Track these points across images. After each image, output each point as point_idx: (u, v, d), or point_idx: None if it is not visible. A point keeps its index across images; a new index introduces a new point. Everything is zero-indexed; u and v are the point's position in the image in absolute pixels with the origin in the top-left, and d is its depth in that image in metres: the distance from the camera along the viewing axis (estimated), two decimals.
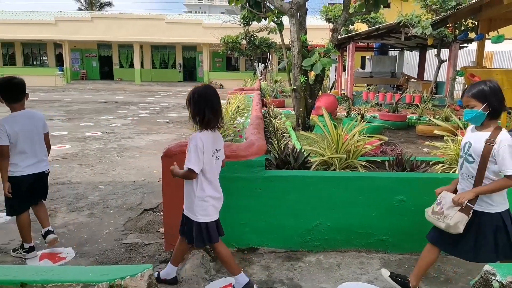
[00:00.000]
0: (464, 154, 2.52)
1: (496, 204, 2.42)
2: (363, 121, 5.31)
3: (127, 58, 32.33)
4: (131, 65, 31.47)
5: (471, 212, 2.42)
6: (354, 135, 3.84)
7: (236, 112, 6.88)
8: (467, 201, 2.40)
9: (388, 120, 8.98)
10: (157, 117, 12.95)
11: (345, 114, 9.84)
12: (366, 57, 21.87)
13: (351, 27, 21.13)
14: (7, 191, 3.15)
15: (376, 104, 12.62)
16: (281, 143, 5.10)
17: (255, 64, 24.70)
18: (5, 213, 3.43)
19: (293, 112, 12.54)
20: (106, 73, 32.24)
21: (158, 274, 2.88)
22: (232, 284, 2.86)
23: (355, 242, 3.47)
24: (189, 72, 33.25)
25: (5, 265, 1.60)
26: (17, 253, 3.40)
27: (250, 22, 23.01)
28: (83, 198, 4.88)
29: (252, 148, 3.36)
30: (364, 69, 22.26)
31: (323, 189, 3.34)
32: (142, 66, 31.25)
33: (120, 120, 11.96)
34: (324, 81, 10.43)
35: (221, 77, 30.25)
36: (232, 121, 5.88)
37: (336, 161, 3.65)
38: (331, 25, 18.89)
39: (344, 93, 15.48)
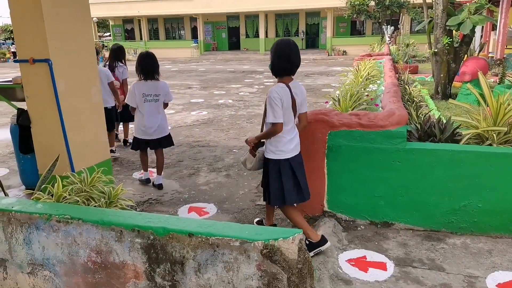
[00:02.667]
0: None
1: (274, 151, 2.76)
2: None
3: (253, 28, 33.35)
4: (256, 35, 32.40)
5: (255, 154, 2.92)
6: None
7: (366, 80, 6.50)
8: (252, 143, 2.88)
9: None
10: None
11: (496, 80, 8.45)
12: None
13: None
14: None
15: None
16: (420, 113, 4.66)
17: (383, 27, 22.86)
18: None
19: (427, 79, 11.37)
20: (234, 44, 33.92)
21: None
22: (366, 257, 2.79)
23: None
24: (312, 39, 32.72)
25: (174, 216, 1.83)
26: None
27: None
28: (220, 160, 5.31)
29: (392, 118, 3.13)
30: None
31: (476, 166, 2.94)
32: (266, 35, 31.90)
33: (247, 89, 12.53)
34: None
35: (345, 43, 28.99)
36: (363, 89, 5.58)
37: (493, 135, 3.16)
38: None
39: (491, 56, 13.28)
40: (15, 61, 3.39)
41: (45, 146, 3.31)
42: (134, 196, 4.01)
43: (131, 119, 4.98)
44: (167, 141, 4.36)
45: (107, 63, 5.80)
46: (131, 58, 29.11)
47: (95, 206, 2.20)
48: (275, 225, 3.25)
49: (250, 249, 1.57)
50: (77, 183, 2.39)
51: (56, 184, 2.29)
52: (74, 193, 2.27)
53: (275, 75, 2.80)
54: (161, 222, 1.73)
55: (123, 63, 5.78)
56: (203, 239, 1.62)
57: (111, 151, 5.09)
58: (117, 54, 5.73)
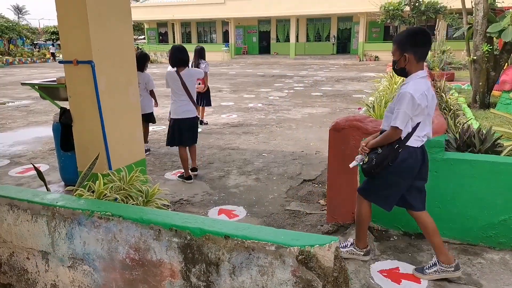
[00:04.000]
0: None
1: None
2: None
3: (284, 32, 33.40)
4: (287, 39, 32.42)
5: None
6: None
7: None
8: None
9: None
10: (311, 90, 13.10)
11: None
12: None
13: None
14: None
15: None
16: (457, 122, 4.52)
17: None
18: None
19: (464, 87, 11.00)
20: (264, 48, 34.09)
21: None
22: (399, 268, 2.73)
23: None
24: (343, 44, 32.40)
25: (211, 218, 1.86)
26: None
27: None
28: (250, 163, 5.34)
29: (431, 126, 3.04)
30: None
31: None
32: (297, 39, 31.85)
33: (277, 93, 12.54)
34: None
35: (377, 48, 28.50)
36: None
37: None
38: None
39: None
40: (60, 62, 3.55)
41: (85, 144, 3.44)
42: (166, 196, 4.10)
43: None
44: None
45: (193, 62, 7.07)
46: (164, 60, 29.80)
47: (133, 204, 2.27)
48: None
49: (286, 254, 1.57)
50: (117, 181, 2.48)
51: (97, 181, 2.38)
52: (113, 191, 2.35)
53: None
54: (198, 223, 1.76)
55: (204, 59, 7.29)
56: (239, 242, 1.64)
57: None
58: (200, 53, 7.23)
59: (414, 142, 2.51)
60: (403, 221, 3.21)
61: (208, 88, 7.31)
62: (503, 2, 8.29)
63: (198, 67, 6.92)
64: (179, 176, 4.75)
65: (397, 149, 2.48)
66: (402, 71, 2.51)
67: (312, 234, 1.66)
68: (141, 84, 5.27)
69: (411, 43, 2.43)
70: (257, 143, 6.40)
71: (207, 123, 7.79)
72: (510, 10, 6.47)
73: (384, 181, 2.60)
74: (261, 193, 4.31)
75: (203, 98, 7.28)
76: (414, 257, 2.94)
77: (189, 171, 4.72)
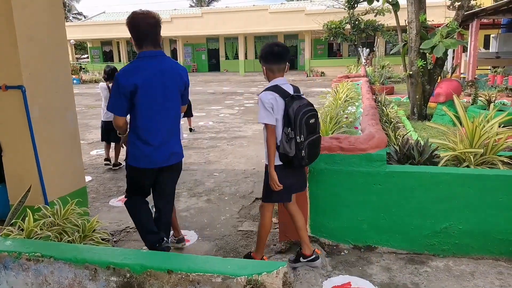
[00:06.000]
0: None
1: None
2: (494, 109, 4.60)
3: (232, 49, 33.78)
4: (236, 57, 32.79)
5: None
6: (492, 126, 3.34)
7: (345, 101, 6.61)
8: None
9: None
10: None
11: (469, 101, 8.75)
12: (492, 36, 19.13)
13: (472, 2, 18.65)
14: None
15: (506, 88, 10.98)
16: (398, 135, 4.74)
17: (359, 49, 23.55)
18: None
19: (403, 99, 11.67)
20: (214, 65, 34.20)
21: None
22: (351, 283, 2.75)
23: (493, 249, 3.04)
24: (290, 60, 33.26)
25: (153, 251, 1.75)
26: None
27: (355, 5, 21.95)
28: (201, 184, 5.22)
29: (372, 141, 3.16)
30: (488, 49, 19.53)
31: (455, 188, 2.98)
32: (246, 57, 32.31)
33: (228, 110, 12.54)
34: None
35: (323, 65, 29.65)
36: (342, 111, 5.66)
37: (470, 156, 3.22)
38: (447, 1, 16.89)
39: (463, 77, 13.82)
40: None
41: (16, 176, 3.17)
42: (111, 225, 3.87)
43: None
44: None
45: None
46: None
47: (68, 240, 2.09)
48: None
49: (233, 285, 1.51)
50: (50, 216, 2.28)
51: (27, 218, 2.18)
52: (46, 227, 2.15)
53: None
54: (138, 259, 1.65)
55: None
56: (183, 276, 1.55)
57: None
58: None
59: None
60: (353, 235, 3.27)
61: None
62: (433, 20, 8.98)
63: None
64: None
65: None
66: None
67: (259, 261, 1.61)
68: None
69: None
70: (208, 162, 6.30)
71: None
72: (440, 28, 7.02)
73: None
74: (212, 215, 4.21)
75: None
76: (365, 270, 2.98)
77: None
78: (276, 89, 2.66)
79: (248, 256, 3.01)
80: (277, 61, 2.73)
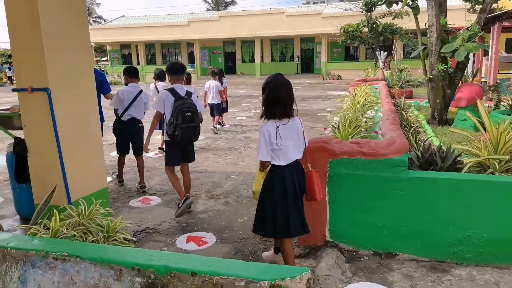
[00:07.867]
0: None
1: None
2: None
3: (249, 52, 33.89)
4: (252, 60, 32.88)
5: None
6: None
7: (364, 105, 6.54)
8: None
9: None
10: None
11: (491, 106, 8.55)
12: None
13: (494, 5, 18.26)
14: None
15: None
16: (418, 140, 4.66)
17: (376, 52, 23.34)
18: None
19: (422, 104, 11.49)
20: (230, 68, 34.36)
21: None
22: None
23: None
24: (306, 63, 33.25)
25: (176, 253, 1.76)
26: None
27: (373, 8, 21.78)
28: (219, 186, 5.25)
29: (394, 146, 3.12)
30: (510, 53, 19.06)
31: (480, 195, 2.92)
32: (262, 60, 32.37)
33: (244, 113, 12.57)
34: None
35: (339, 68, 29.48)
36: (361, 115, 5.60)
37: (495, 163, 3.15)
38: (467, 4, 16.58)
39: (484, 82, 13.52)
40: (13, 90, 3.37)
41: (41, 176, 3.25)
42: (131, 225, 3.92)
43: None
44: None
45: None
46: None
47: (93, 240, 2.13)
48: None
49: None
50: (75, 216, 2.32)
51: (53, 218, 2.23)
52: (71, 227, 2.20)
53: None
54: (162, 260, 1.66)
55: (225, 77, 9.83)
56: (207, 279, 1.56)
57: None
58: (222, 74, 9.57)
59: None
60: (373, 241, 3.23)
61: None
62: (454, 24, 8.83)
63: (222, 83, 9.41)
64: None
65: None
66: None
67: (282, 266, 1.61)
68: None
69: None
70: (225, 165, 6.32)
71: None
72: (461, 31, 6.89)
73: None
74: (230, 218, 4.22)
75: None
76: (385, 277, 2.94)
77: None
78: (172, 91, 4.10)
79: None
80: (177, 74, 4.24)
